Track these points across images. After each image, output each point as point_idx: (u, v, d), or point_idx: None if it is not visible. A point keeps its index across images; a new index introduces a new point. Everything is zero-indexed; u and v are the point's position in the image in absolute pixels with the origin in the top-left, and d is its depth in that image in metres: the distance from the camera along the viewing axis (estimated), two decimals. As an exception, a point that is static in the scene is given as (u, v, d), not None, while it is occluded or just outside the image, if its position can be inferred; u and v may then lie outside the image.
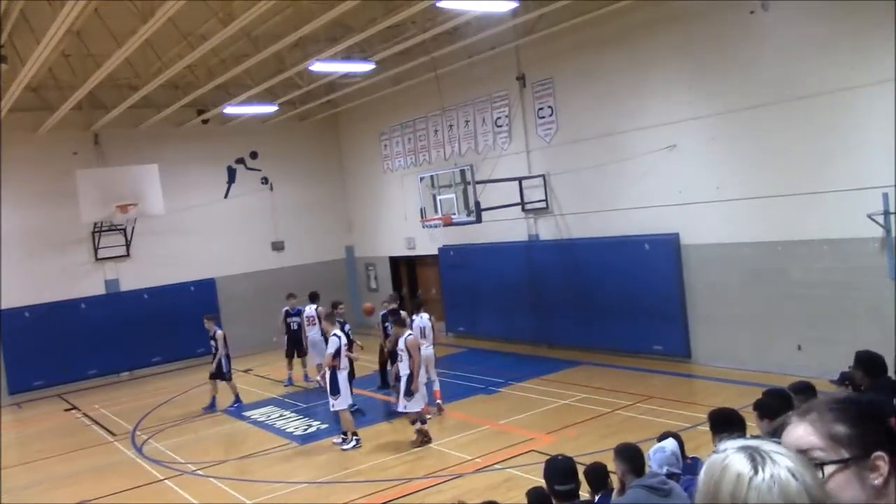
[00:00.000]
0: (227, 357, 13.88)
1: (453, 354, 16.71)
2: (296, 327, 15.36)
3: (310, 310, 14.92)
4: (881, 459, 1.56)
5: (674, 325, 13.36)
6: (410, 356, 10.71)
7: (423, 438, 10.67)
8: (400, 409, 10.99)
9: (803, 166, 11.20)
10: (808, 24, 10.94)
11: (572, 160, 14.92)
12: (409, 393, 10.64)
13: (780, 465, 1.34)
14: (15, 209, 17.29)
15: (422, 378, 11.73)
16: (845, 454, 1.56)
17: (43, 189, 17.56)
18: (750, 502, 1.31)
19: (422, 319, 12.21)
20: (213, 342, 13.85)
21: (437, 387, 12.39)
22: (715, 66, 12.27)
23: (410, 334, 11.01)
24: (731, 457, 1.37)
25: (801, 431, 1.61)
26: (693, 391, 12.04)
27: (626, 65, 13.65)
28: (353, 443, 10.87)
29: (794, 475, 1.33)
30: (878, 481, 1.56)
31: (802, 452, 1.51)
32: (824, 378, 6.46)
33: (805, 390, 5.47)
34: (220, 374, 13.84)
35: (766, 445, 1.38)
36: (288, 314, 15.51)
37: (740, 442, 1.41)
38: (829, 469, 1.55)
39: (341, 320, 12.78)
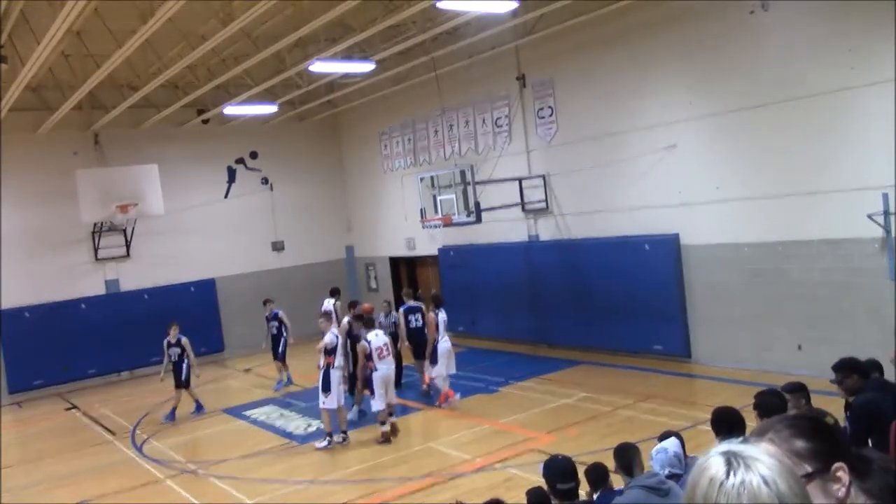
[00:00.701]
0: (189, 365, 13.85)
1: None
2: (274, 331, 15.42)
3: (328, 304, 14.93)
4: (842, 470, 1.60)
5: (674, 325, 13.36)
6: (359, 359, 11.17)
7: (386, 437, 10.88)
8: (373, 408, 11.17)
9: (803, 166, 11.20)
10: (808, 24, 10.94)
11: (572, 160, 14.92)
12: (372, 392, 10.95)
13: (755, 470, 1.33)
14: (15, 209, 17.29)
15: (442, 371, 12.44)
16: (808, 468, 1.58)
17: (43, 189, 17.56)
18: None
19: (443, 313, 12.82)
20: (178, 349, 13.73)
21: (447, 387, 12.56)
22: (715, 66, 12.26)
23: (366, 340, 11.07)
24: (711, 459, 1.38)
25: None
26: (693, 391, 12.05)
27: (626, 65, 13.64)
28: (326, 443, 10.88)
29: (766, 482, 1.32)
30: (841, 492, 1.59)
31: None
32: (824, 378, 6.44)
33: (798, 390, 5.48)
34: (183, 382, 13.74)
35: (749, 451, 1.38)
36: (267, 319, 15.59)
37: (726, 445, 1.41)
38: None
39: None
